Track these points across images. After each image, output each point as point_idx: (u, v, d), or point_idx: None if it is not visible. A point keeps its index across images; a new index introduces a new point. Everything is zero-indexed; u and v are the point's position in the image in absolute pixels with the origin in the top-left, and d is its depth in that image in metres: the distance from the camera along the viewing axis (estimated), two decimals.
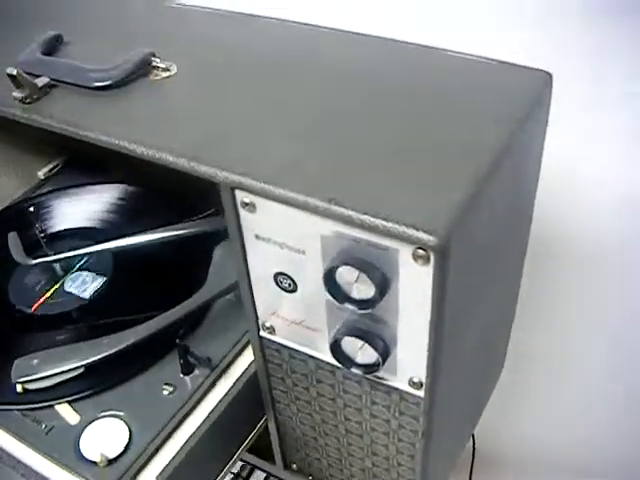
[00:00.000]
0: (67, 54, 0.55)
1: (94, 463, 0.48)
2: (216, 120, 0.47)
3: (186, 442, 0.49)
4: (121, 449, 0.48)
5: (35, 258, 0.60)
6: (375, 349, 0.43)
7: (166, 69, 0.52)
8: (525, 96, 0.47)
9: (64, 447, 0.49)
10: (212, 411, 0.51)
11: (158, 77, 0.52)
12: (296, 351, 0.49)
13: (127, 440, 0.49)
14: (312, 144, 0.44)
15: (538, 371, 0.84)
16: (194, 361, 0.53)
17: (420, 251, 0.37)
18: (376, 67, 0.51)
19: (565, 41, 0.68)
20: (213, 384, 0.53)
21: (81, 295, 0.59)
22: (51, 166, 0.74)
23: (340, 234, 0.40)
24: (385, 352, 0.43)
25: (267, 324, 0.49)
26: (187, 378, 0.53)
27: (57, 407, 0.52)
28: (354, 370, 0.45)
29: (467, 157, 0.42)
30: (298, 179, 0.40)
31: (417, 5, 0.72)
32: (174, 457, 0.49)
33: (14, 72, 0.49)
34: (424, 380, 0.44)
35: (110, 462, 0.48)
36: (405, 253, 0.38)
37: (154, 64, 0.52)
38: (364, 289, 0.40)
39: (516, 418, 0.86)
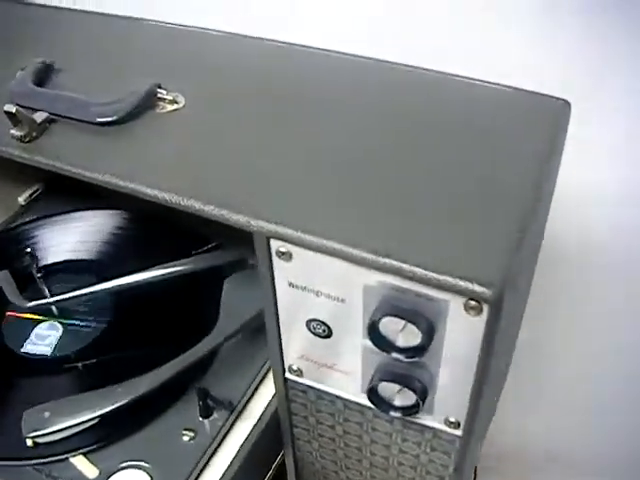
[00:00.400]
0: (61, 84, 0.51)
1: None
2: (237, 160, 0.45)
3: None
4: None
5: (29, 295, 0.56)
6: (414, 392, 0.42)
7: (173, 101, 0.49)
8: (550, 129, 0.46)
9: None
10: (235, 456, 0.49)
11: (165, 110, 0.49)
12: (324, 392, 0.48)
13: None
14: (346, 188, 0.42)
15: (539, 369, 0.85)
16: (212, 403, 0.51)
17: (472, 302, 0.36)
18: (394, 97, 0.50)
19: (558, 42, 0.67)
20: (232, 426, 0.51)
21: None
22: (30, 191, 0.70)
23: (385, 284, 0.38)
24: (424, 395, 0.43)
25: (294, 367, 0.47)
26: (206, 422, 0.51)
27: (72, 460, 0.49)
28: (393, 413, 0.44)
29: (507, 199, 0.41)
30: (340, 228, 0.38)
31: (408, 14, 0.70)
32: None
33: (13, 109, 0.45)
34: (462, 420, 0.43)
35: None
36: (456, 304, 0.37)
37: (160, 95, 0.49)
38: (410, 338, 0.39)
39: (518, 416, 0.86)
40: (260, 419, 0.52)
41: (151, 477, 0.47)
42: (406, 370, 0.42)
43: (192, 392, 0.52)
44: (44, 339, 0.57)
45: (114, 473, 0.48)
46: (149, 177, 0.43)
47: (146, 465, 0.48)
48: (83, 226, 0.61)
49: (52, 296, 0.57)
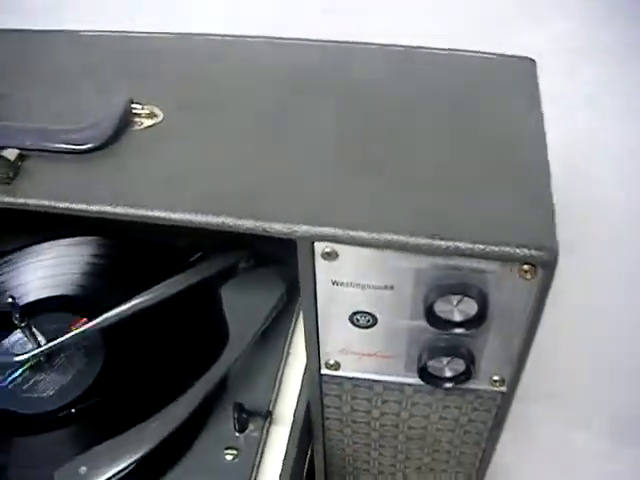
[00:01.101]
0: (14, 114, 0.46)
1: None
2: (242, 168, 0.43)
3: None
4: None
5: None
6: (463, 359, 0.44)
7: (151, 114, 0.46)
8: (528, 86, 0.49)
9: None
10: (284, 464, 0.49)
11: (143, 126, 0.46)
12: (362, 380, 0.48)
13: None
14: (366, 176, 0.42)
15: None
16: (246, 416, 0.50)
17: (526, 267, 0.38)
18: (376, 79, 0.50)
19: None
20: (267, 434, 0.51)
21: None
22: None
23: (439, 265, 0.39)
24: (472, 361, 0.44)
25: (331, 361, 0.47)
26: (243, 436, 0.50)
27: None
28: (446, 385, 0.46)
29: (521, 162, 0.43)
30: (383, 218, 0.39)
31: None
32: None
33: None
34: (507, 377, 0.46)
35: None
36: (511, 271, 0.39)
37: (135, 111, 0.46)
38: (466, 311, 0.41)
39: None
40: (294, 420, 0.51)
41: None
42: (453, 341, 0.44)
43: (217, 410, 0.51)
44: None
45: None
46: (164, 201, 0.41)
47: None
48: (53, 258, 0.56)
49: (35, 340, 0.52)
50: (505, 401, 0.48)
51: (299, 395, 0.53)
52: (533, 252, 0.37)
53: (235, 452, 0.49)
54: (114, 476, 0.46)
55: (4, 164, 0.42)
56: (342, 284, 0.42)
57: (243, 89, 0.49)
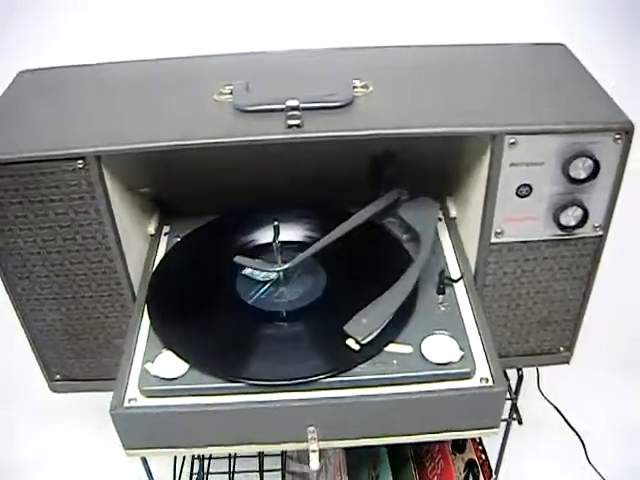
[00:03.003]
0: (263, 96, 0.83)
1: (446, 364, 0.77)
2: (441, 102, 0.82)
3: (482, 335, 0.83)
4: (458, 350, 0.79)
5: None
6: (581, 207, 0.84)
7: (365, 86, 0.84)
8: (570, 59, 0.93)
9: (422, 365, 0.77)
10: (475, 314, 0.85)
11: (362, 94, 0.84)
12: (515, 243, 0.86)
13: (458, 346, 0.79)
14: (518, 92, 0.83)
15: None
16: (444, 283, 0.86)
17: (617, 135, 0.80)
18: (472, 61, 0.92)
19: None
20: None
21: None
22: (155, 221, 0.98)
23: (569, 142, 0.80)
24: (586, 209, 0.84)
25: (498, 230, 0.85)
26: (442, 297, 0.85)
27: (386, 349, 0.79)
28: (574, 231, 0.85)
29: (587, 91, 0.86)
30: (541, 117, 0.79)
31: None
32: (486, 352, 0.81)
33: (296, 103, 0.77)
34: (602, 222, 0.86)
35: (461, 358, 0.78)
36: (609, 139, 0.80)
37: (355, 85, 0.84)
38: (587, 168, 0.81)
39: None
40: (466, 285, 0.88)
41: (451, 337, 0.80)
42: (574, 197, 0.84)
43: (420, 287, 0.86)
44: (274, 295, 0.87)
45: (421, 344, 0.79)
46: (415, 121, 0.78)
47: (440, 331, 0.81)
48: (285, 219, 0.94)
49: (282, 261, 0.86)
50: (601, 244, 0.88)
51: (462, 270, 0.90)
52: (622, 125, 0.79)
53: (446, 304, 0.84)
54: (383, 323, 0.79)
55: (298, 114, 0.78)
56: (515, 164, 0.81)
57: (403, 70, 0.89)
